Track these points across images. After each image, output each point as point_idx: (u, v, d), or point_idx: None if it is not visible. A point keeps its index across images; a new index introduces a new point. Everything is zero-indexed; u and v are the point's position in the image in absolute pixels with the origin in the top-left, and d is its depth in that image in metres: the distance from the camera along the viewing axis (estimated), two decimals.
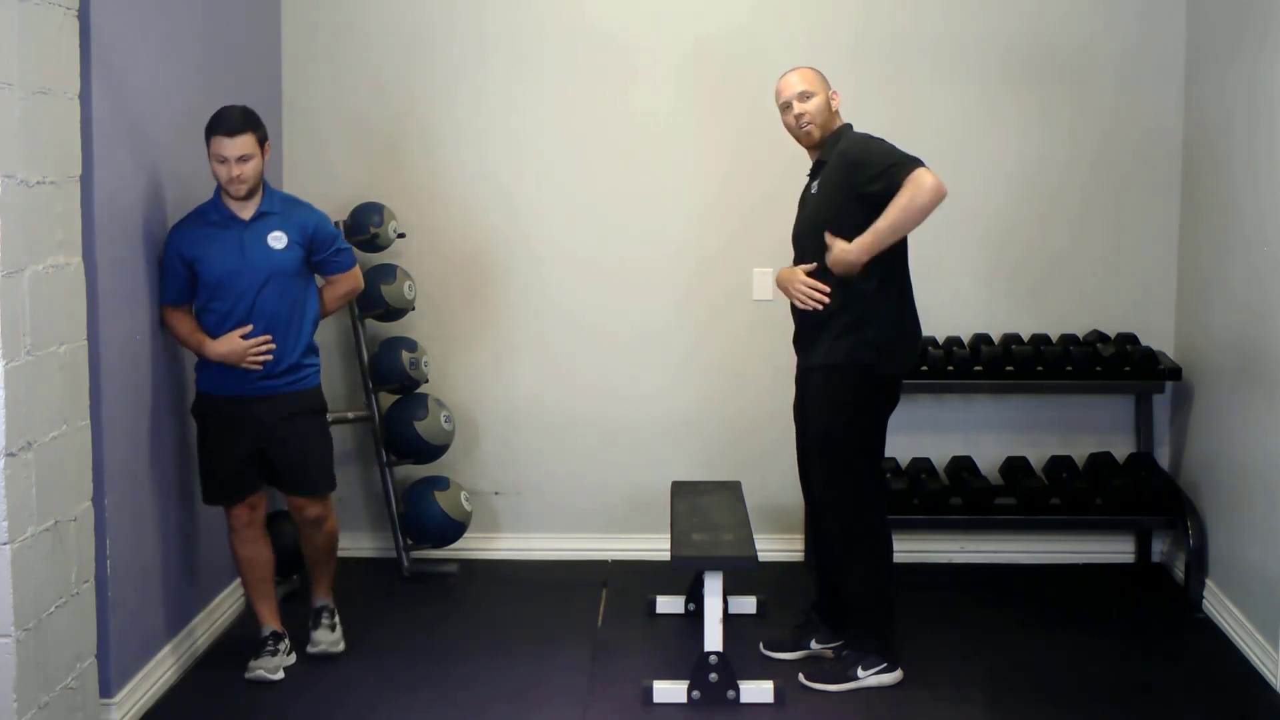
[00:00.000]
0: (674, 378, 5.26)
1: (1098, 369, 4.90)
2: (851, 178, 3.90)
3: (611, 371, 5.26)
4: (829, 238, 3.90)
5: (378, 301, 4.96)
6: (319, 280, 4.25)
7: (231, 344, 3.98)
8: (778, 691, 3.94)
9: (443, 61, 5.15)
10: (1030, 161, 5.10)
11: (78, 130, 3.50)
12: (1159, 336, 5.11)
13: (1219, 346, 4.68)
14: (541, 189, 5.20)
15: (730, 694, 3.92)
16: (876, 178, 3.84)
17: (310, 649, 4.30)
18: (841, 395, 3.99)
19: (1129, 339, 5.00)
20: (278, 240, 4.02)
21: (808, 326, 4.07)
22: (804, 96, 4.00)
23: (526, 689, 4.08)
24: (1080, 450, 5.13)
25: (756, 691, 3.94)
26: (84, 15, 3.52)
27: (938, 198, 3.77)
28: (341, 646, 4.34)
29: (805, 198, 4.13)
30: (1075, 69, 5.07)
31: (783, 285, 4.08)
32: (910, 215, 3.79)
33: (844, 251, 3.86)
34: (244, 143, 3.91)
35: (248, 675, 4.11)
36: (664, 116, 5.15)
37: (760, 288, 5.17)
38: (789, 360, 5.17)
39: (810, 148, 4.09)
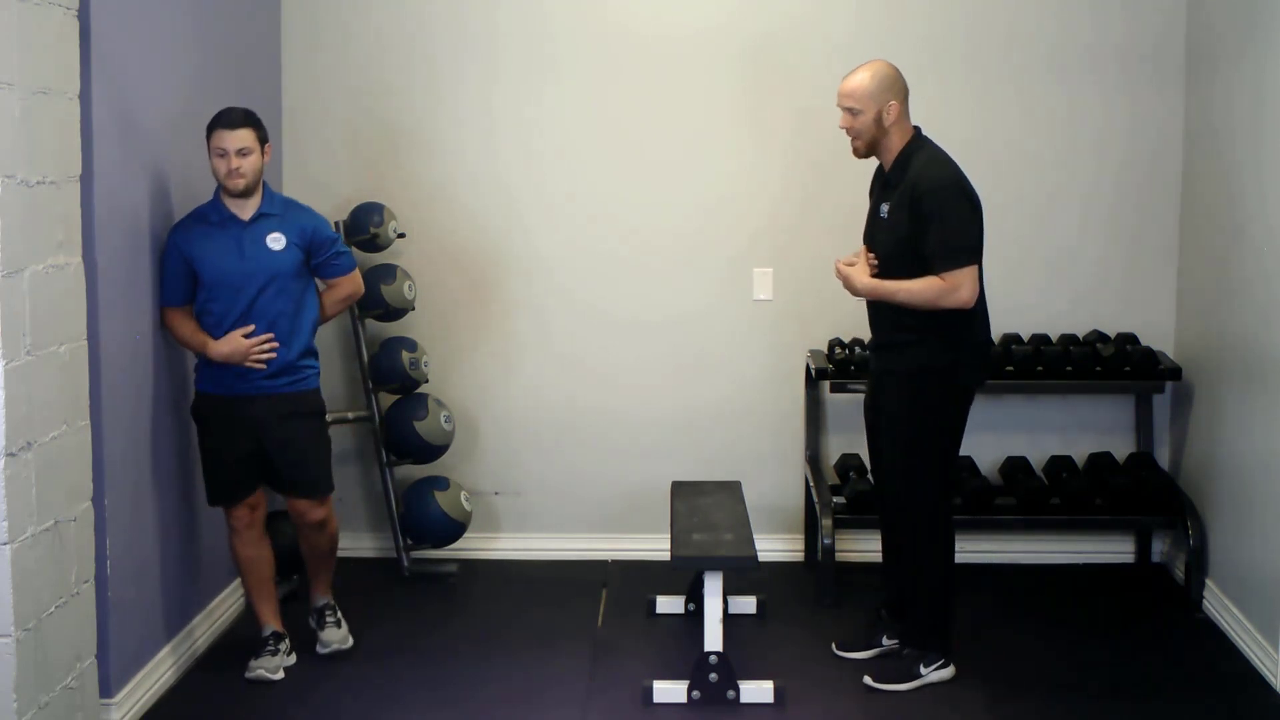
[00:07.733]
0: (674, 378, 5.25)
1: (1098, 369, 4.90)
2: (918, 226, 3.90)
3: (612, 371, 5.26)
4: (849, 270, 4.04)
5: (378, 301, 4.95)
6: (319, 285, 4.25)
7: (234, 343, 3.98)
8: (778, 691, 3.94)
9: (442, 60, 5.15)
10: (1030, 162, 5.10)
11: (78, 130, 3.49)
12: (1159, 336, 5.10)
13: (1219, 346, 4.68)
14: (541, 189, 5.19)
15: (730, 694, 3.92)
16: (931, 247, 3.87)
17: (321, 649, 4.30)
18: (918, 399, 4.01)
19: (1129, 339, 4.99)
20: (276, 241, 4.03)
21: (891, 333, 4.06)
22: (851, 112, 3.98)
23: (526, 689, 4.08)
24: (1080, 450, 5.13)
25: (756, 691, 3.94)
26: (84, 15, 3.51)
27: (956, 307, 3.87)
28: (350, 641, 4.34)
29: (875, 215, 4.10)
30: (1075, 69, 5.07)
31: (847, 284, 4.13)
32: (925, 303, 3.90)
33: (855, 282, 4.00)
34: (244, 136, 3.93)
35: (248, 675, 4.11)
36: (665, 115, 5.15)
37: (760, 288, 5.18)
38: (789, 360, 5.22)
39: (864, 157, 4.08)
